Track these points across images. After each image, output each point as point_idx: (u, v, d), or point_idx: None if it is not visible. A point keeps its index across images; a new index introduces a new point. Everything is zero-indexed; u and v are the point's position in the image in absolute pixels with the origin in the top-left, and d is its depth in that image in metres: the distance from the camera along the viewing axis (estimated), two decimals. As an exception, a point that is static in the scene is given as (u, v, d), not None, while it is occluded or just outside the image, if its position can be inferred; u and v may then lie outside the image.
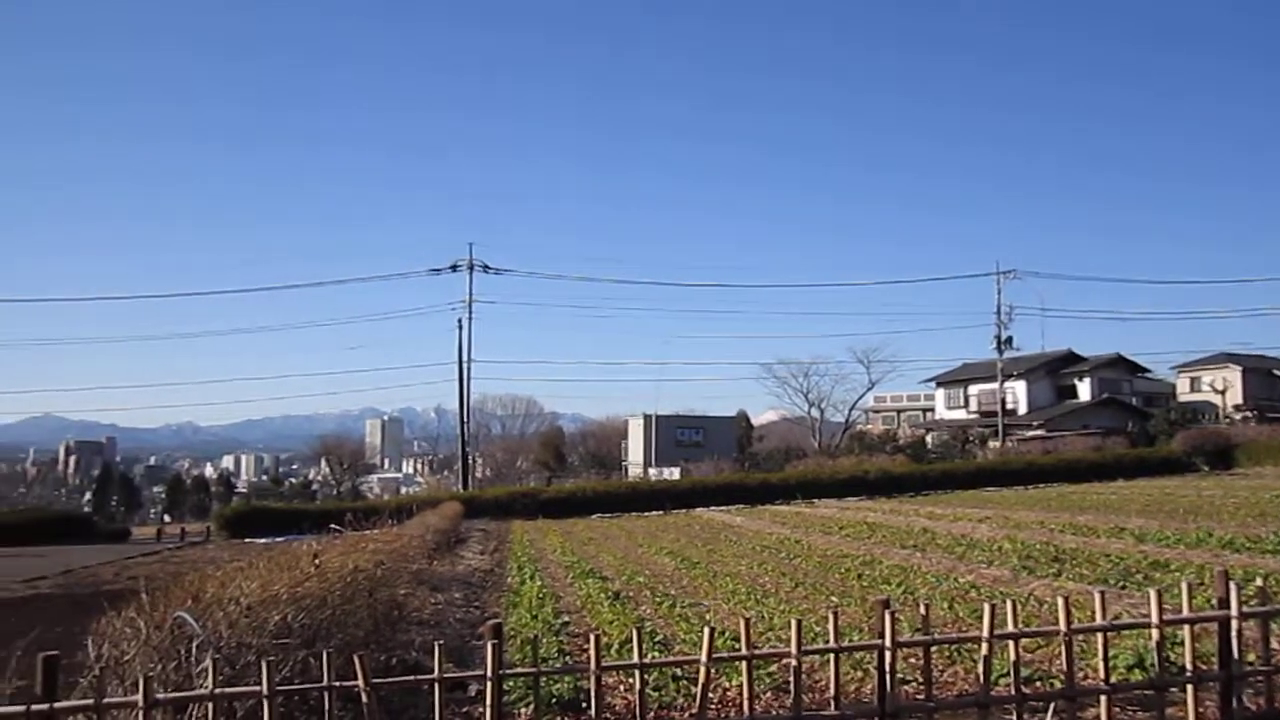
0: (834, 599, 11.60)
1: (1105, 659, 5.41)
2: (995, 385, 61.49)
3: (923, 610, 5.57)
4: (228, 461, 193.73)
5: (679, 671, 7.08)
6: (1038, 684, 6.59)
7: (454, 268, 56.26)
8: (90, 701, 4.62)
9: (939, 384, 76.81)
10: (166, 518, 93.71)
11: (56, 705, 4.60)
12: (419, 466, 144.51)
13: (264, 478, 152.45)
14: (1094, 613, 5.56)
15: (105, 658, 5.31)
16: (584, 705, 6.31)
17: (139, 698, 4.55)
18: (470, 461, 59.79)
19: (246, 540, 35.40)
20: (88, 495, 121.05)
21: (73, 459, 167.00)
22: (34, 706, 4.58)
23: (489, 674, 4.80)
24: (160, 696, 4.68)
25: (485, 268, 56.11)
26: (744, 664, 5.20)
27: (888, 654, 5.21)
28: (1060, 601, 5.45)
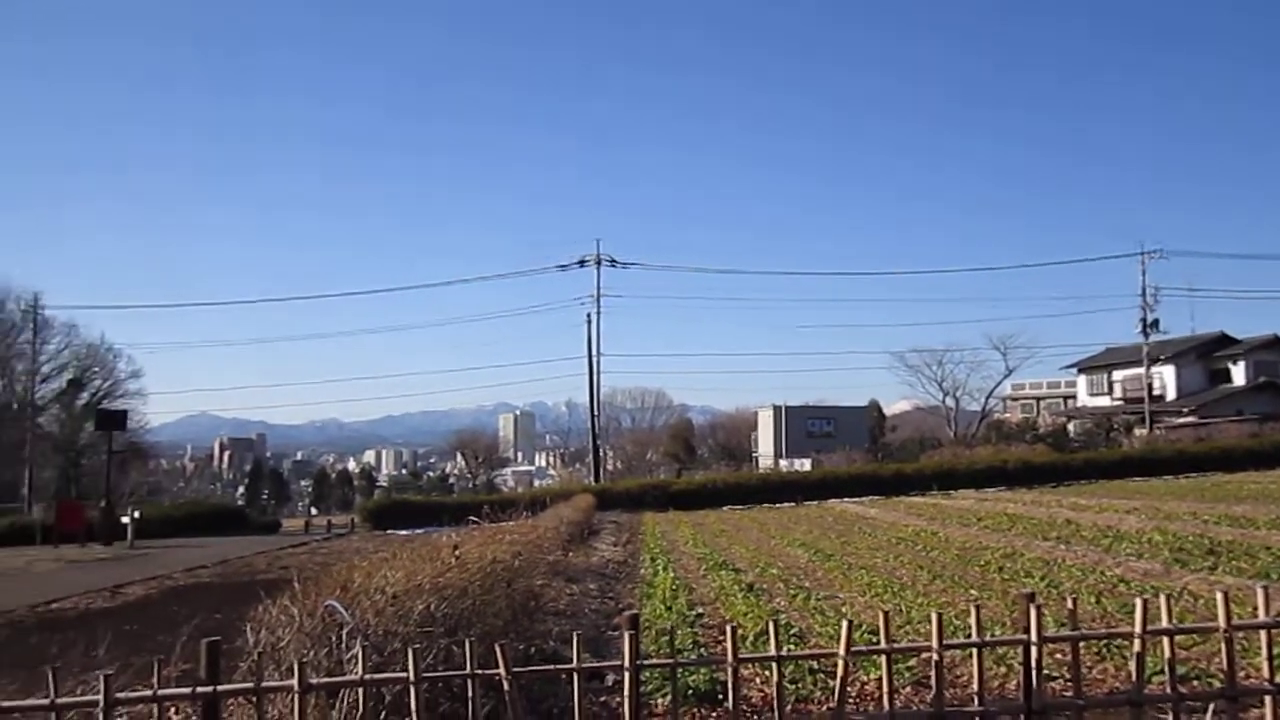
0: (974, 592, 11.32)
1: (1269, 658, 5.12)
2: (1141, 370, 59.01)
3: (1070, 604, 5.38)
4: (369, 456, 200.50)
5: (815, 664, 7.03)
6: (1194, 683, 6.31)
7: (582, 263, 56.98)
8: (250, 685, 4.85)
9: (1081, 370, 74.04)
10: (313, 510, 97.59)
11: (220, 688, 4.84)
12: (551, 459, 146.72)
13: (403, 472, 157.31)
14: (1255, 609, 5.28)
15: (263, 643, 5.56)
16: (720, 697, 6.32)
17: (294, 682, 4.74)
18: (601, 454, 60.42)
19: (388, 532, 36.63)
20: (240, 489, 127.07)
21: (226, 455, 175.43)
22: (199, 689, 4.82)
23: (627, 664, 4.83)
24: (314, 681, 4.87)
25: (613, 262, 56.68)
26: (883, 658, 5.11)
27: (1033, 649, 5.05)
28: (1219, 596, 5.19)
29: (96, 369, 68.30)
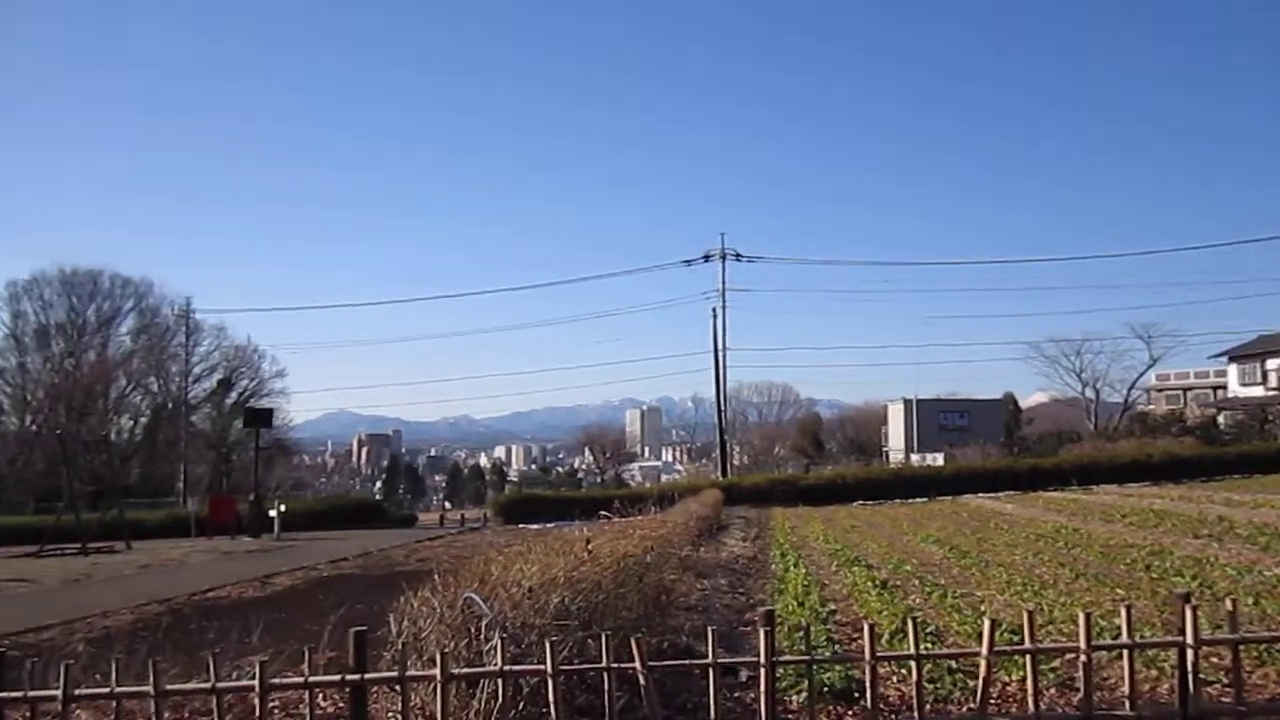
0: (1120, 592, 10.88)
1: None
2: (1300, 359, 55.71)
3: (1229, 605, 5.12)
4: (500, 451, 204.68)
5: (954, 664, 6.86)
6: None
7: (706, 258, 56.89)
8: (395, 674, 5.01)
9: (1232, 359, 70.35)
10: (447, 504, 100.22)
11: (366, 676, 5.02)
12: (677, 455, 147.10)
13: (533, 466, 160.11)
14: None
15: (405, 634, 5.73)
16: (856, 695, 6.23)
17: (436, 672, 4.88)
18: (728, 449, 60.26)
19: (520, 526, 37.30)
20: (378, 484, 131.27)
21: (364, 451, 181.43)
22: (347, 676, 5.01)
23: (762, 660, 4.82)
24: (455, 671, 5.00)
25: (738, 256, 56.40)
26: (1027, 658, 4.97)
27: (1189, 652, 4.83)
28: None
29: (244, 369, 71.63)
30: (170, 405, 67.82)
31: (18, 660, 6.16)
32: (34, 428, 60.38)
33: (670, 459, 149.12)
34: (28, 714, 5.44)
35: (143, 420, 68.62)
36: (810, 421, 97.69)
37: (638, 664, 4.85)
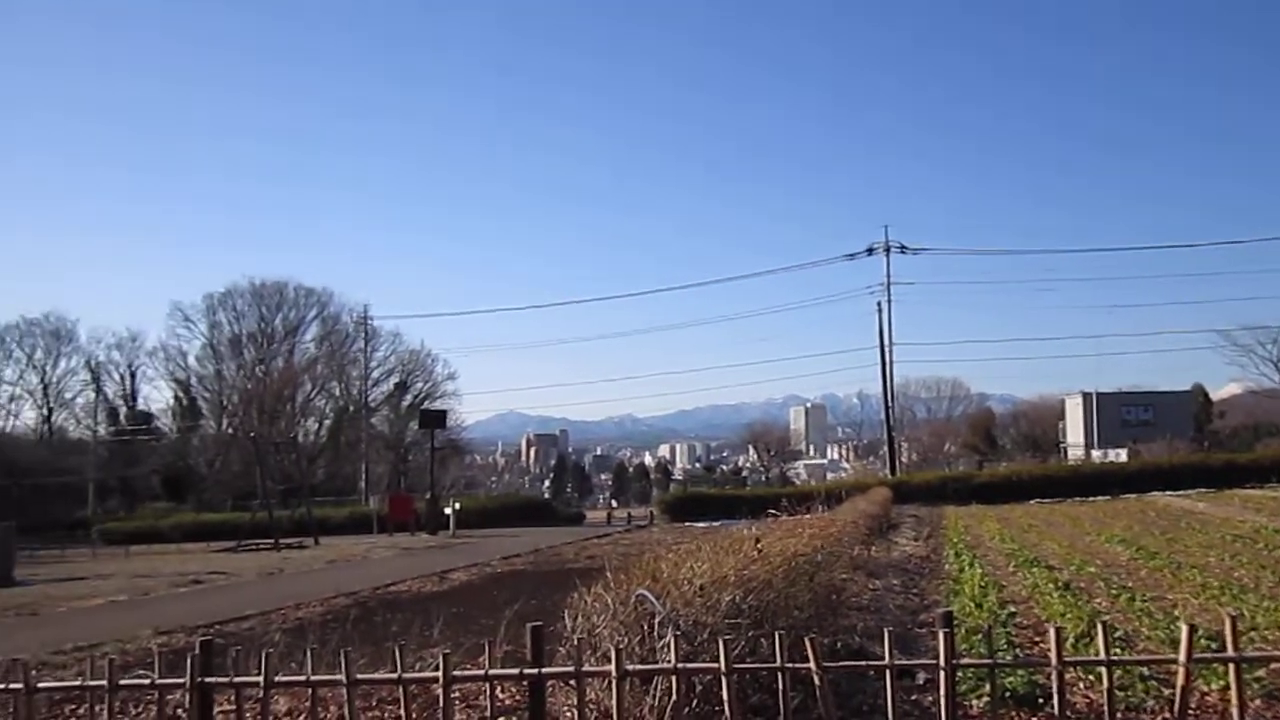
0: (1332, 597, 10.12)
1: None
2: None
3: None
4: (664, 450, 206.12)
5: (1145, 671, 6.53)
6: None
7: (870, 251, 55.85)
8: (571, 669, 5.10)
9: None
10: (613, 502, 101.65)
11: (544, 670, 5.13)
12: (843, 452, 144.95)
13: (697, 465, 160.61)
14: None
15: (579, 629, 5.83)
16: (1040, 701, 6.00)
17: (611, 668, 4.94)
18: (896, 446, 59.00)
19: (686, 524, 37.49)
20: (546, 482, 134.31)
21: (533, 450, 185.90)
22: (525, 670, 5.13)
23: (942, 663, 4.68)
24: (629, 668, 5.06)
25: (902, 248, 55.18)
26: (1230, 667, 4.67)
27: None
28: None
29: (418, 372, 74.50)
30: (351, 408, 71.20)
31: (222, 648, 6.58)
32: (230, 430, 64.41)
33: (835, 456, 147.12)
34: (232, 698, 5.82)
35: (326, 422, 72.33)
36: (982, 417, 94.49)
37: (812, 664, 4.79)
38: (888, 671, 4.82)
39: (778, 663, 4.86)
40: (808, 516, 14.36)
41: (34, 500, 49.83)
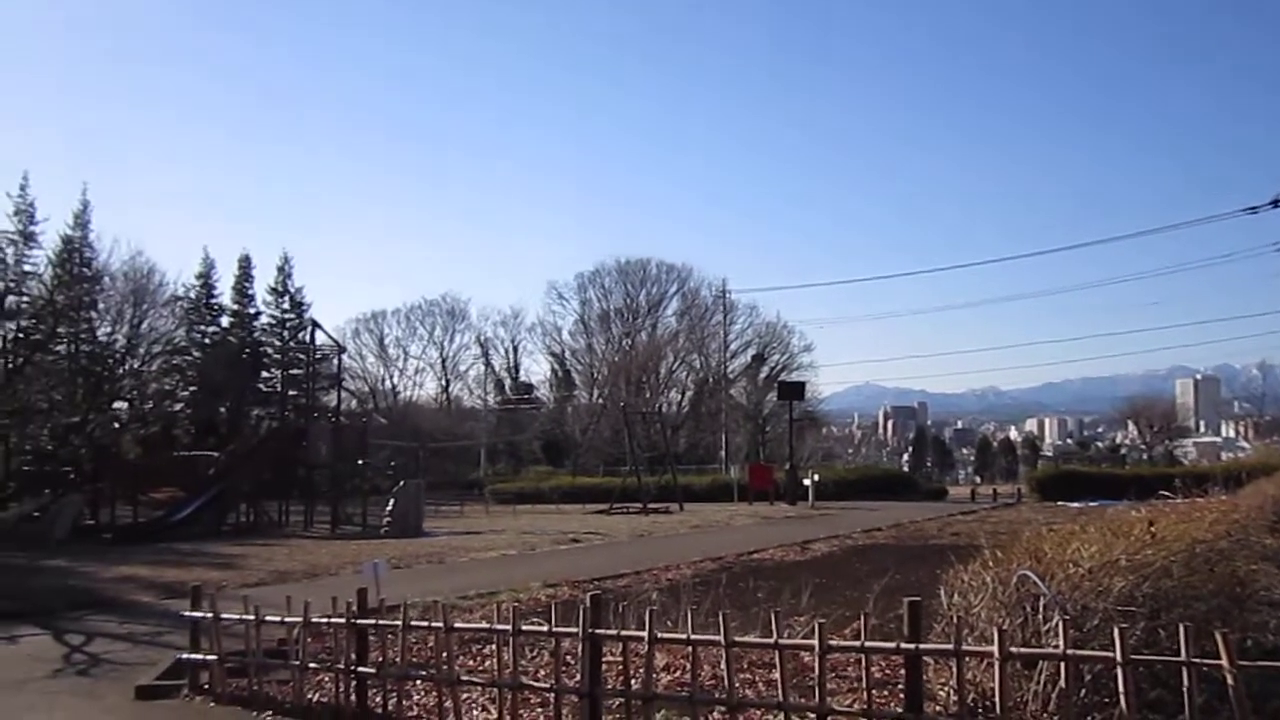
0: None
1: None
2: None
3: None
4: (1030, 425, 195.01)
5: None
6: None
7: (1275, 203, 49.49)
8: (950, 647, 4.98)
9: None
10: (977, 478, 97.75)
11: (922, 646, 5.05)
12: (1240, 429, 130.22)
13: (1068, 441, 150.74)
14: None
15: (956, 607, 5.68)
16: None
17: (994, 649, 4.77)
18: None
19: (1058, 503, 35.36)
20: (904, 456, 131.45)
21: (890, 423, 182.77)
22: (903, 645, 5.07)
23: (1386, 671, 4.11)
24: (1014, 650, 4.86)
25: (1318, 199, 48.43)
26: None
27: None
28: None
29: (774, 345, 75.17)
30: (710, 380, 73.23)
31: (607, 603, 7.04)
32: (600, 401, 68.41)
33: (1231, 434, 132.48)
34: (618, 650, 6.22)
35: (688, 394, 74.92)
36: None
37: (1224, 661, 4.37)
38: (1316, 676, 4.30)
39: (1182, 656, 4.47)
40: (1203, 500, 13.06)
41: (436, 461, 55.68)
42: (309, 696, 7.32)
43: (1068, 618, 4.88)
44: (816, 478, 41.11)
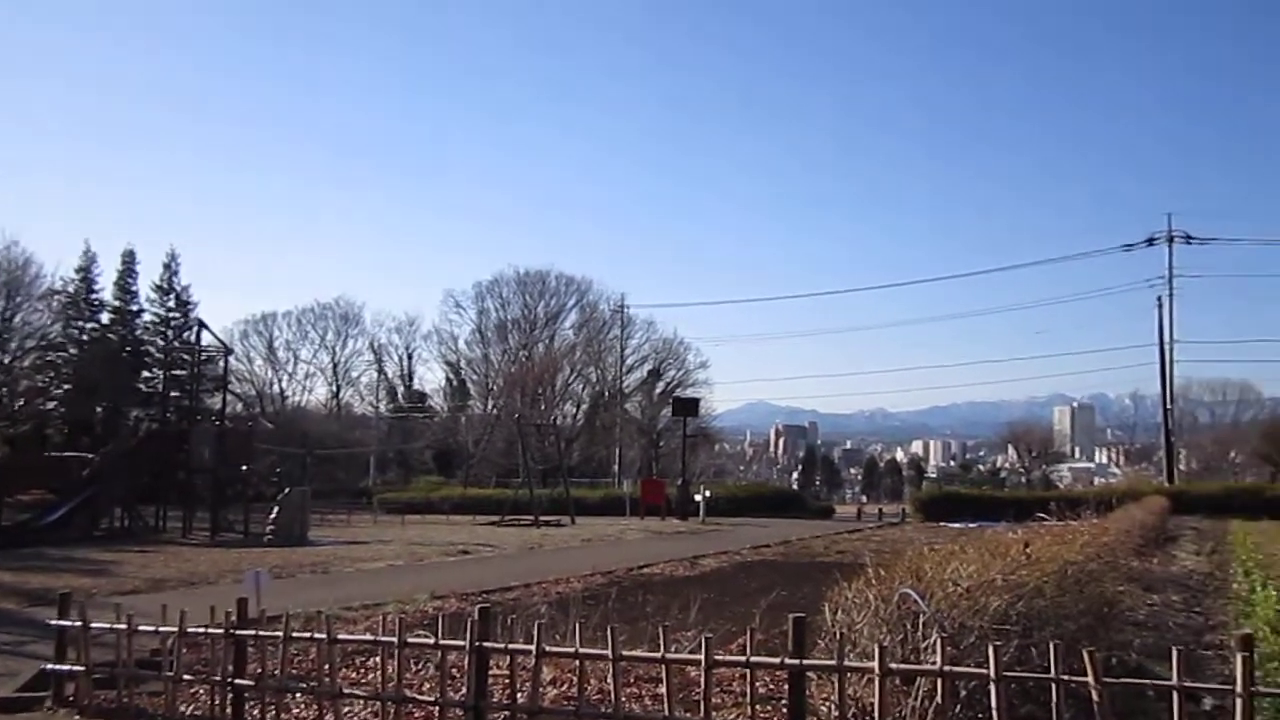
0: None
1: None
2: None
3: None
4: (916, 446, 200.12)
5: None
6: None
7: (1150, 241, 52.02)
8: (832, 663, 5.08)
9: None
10: (863, 497, 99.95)
11: (805, 661, 5.14)
12: (1113, 456, 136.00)
13: (952, 463, 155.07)
14: None
15: (839, 624, 5.80)
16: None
17: (875, 665, 4.89)
18: (1174, 452, 54.71)
19: (940, 524, 36.33)
20: (794, 474, 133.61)
21: (781, 441, 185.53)
22: (787, 660, 5.16)
23: (1238, 689, 4.33)
24: (893, 666, 4.99)
25: (1188, 239, 51.07)
26: None
27: None
28: None
29: (671, 360, 75.75)
30: (606, 394, 73.40)
31: (495, 616, 6.99)
32: (495, 411, 67.95)
33: (1104, 460, 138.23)
34: (505, 663, 6.18)
35: (583, 407, 74.91)
36: (1275, 424, 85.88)
37: (1090, 678, 4.56)
38: (1175, 693, 4.51)
39: (1052, 673, 4.65)
40: (1075, 524, 13.60)
41: (324, 469, 54.55)
42: (182, 709, 7.08)
43: (945, 635, 5.03)
44: (708, 494, 41.49)
